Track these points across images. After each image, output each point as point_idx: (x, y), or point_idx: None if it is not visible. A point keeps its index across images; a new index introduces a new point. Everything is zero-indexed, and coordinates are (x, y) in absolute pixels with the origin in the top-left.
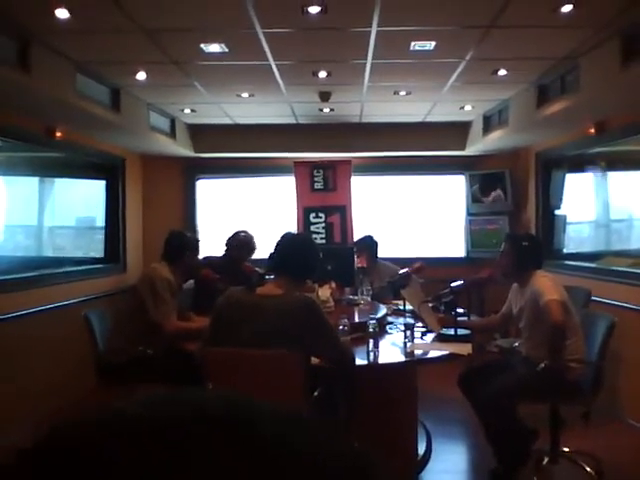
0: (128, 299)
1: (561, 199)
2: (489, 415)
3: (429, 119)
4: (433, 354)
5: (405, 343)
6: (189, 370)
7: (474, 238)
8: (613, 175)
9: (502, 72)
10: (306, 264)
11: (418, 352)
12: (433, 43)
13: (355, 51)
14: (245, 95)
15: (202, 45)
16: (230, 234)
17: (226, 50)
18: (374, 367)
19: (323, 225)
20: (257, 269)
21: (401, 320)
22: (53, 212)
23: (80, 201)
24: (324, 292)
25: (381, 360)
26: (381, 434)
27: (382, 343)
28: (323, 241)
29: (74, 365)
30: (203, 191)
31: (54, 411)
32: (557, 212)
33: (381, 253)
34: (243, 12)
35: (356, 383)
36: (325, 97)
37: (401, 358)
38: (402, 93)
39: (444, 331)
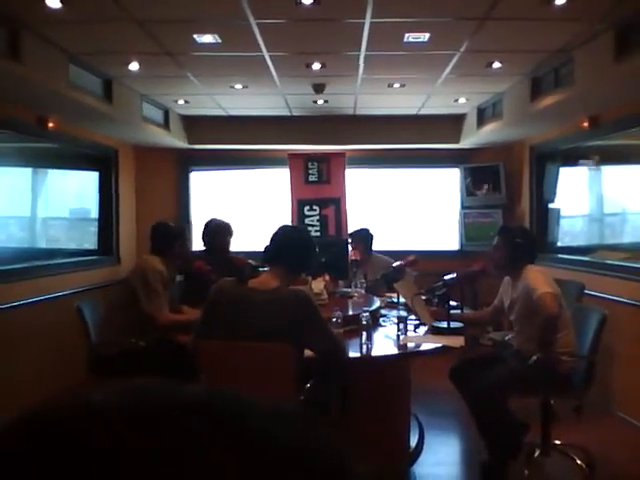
0: (120, 291)
1: (555, 192)
2: (481, 408)
3: (423, 112)
4: (426, 347)
5: (398, 336)
6: (181, 362)
7: (468, 231)
8: (607, 169)
9: (496, 64)
10: (302, 257)
11: (411, 345)
12: (427, 35)
13: (349, 43)
14: (239, 86)
15: (195, 36)
16: (202, 227)
17: (219, 41)
18: (367, 359)
19: (317, 218)
20: (250, 261)
21: (394, 313)
22: (46, 203)
23: (73, 192)
24: (318, 284)
25: (374, 352)
26: (374, 426)
27: (375, 336)
28: (317, 234)
29: (66, 357)
30: (197, 183)
31: (42, 403)
32: (551, 205)
33: (375, 246)
34: (236, 3)
35: (349, 375)
36: (319, 89)
37: (394, 351)
38: (396, 85)
39: (437, 324)
